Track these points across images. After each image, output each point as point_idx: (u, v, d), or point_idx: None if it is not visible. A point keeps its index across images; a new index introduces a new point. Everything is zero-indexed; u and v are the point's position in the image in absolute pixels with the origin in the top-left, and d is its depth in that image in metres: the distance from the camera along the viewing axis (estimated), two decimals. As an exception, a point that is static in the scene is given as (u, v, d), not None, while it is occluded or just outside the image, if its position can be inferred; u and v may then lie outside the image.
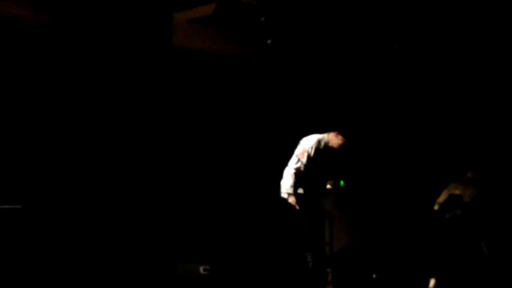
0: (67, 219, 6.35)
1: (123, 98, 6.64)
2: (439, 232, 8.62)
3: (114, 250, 6.42)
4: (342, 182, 7.66)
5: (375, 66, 9.56)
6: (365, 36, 8.98)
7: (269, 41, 8.78)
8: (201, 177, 9.17)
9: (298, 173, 7.23)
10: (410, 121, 9.67)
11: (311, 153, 7.30)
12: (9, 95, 7.88)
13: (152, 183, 6.72)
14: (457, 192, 8.54)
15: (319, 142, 7.36)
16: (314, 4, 8.55)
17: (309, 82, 9.90)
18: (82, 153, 6.48)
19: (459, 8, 8.36)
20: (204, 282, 7.92)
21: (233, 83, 9.62)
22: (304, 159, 7.25)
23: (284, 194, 7.25)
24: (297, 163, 7.25)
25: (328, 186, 7.49)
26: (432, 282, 8.35)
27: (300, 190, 7.24)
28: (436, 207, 8.59)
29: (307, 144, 7.32)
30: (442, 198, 8.57)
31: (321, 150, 7.33)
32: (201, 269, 8.00)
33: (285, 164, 7.35)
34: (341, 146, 7.39)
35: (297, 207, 7.16)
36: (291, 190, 7.19)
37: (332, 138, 7.40)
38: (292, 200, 7.18)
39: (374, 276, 7.55)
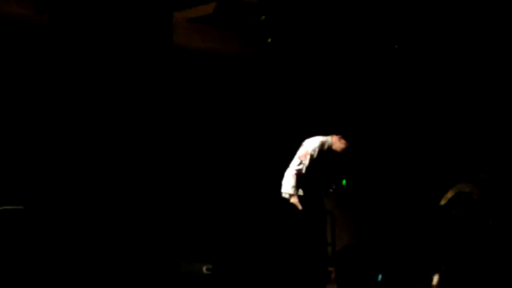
0: (69, 220, 6.32)
1: (124, 97, 6.61)
2: (444, 228, 8.60)
3: (116, 249, 6.39)
4: (344, 181, 7.65)
5: (375, 66, 9.55)
6: (366, 36, 8.97)
7: (269, 40, 8.77)
8: (202, 177, 9.16)
9: (299, 174, 7.23)
10: (413, 120, 9.66)
11: (314, 155, 7.31)
12: (9, 95, 7.86)
13: (154, 183, 6.69)
14: (466, 190, 8.51)
15: (322, 144, 7.37)
16: (314, 3, 8.53)
17: (310, 82, 9.89)
18: (83, 153, 6.45)
19: (459, 8, 8.36)
20: (206, 282, 7.91)
21: (233, 82, 9.60)
22: (307, 161, 7.26)
23: (285, 195, 7.25)
24: (299, 165, 7.26)
25: (331, 190, 7.51)
26: (435, 278, 8.32)
27: (300, 192, 7.25)
28: (443, 202, 8.56)
29: (310, 146, 7.32)
30: (450, 194, 8.55)
31: (324, 153, 7.34)
32: (203, 268, 7.99)
33: (286, 164, 7.35)
34: (344, 150, 7.40)
35: (300, 207, 7.16)
36: (292, 191, 7.20)
37: (336, 142, 7.41)
38: (294, 200, 7.18)
39: (380, 277, 7.52)
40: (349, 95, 9.88)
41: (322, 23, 8.80)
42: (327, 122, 9.25)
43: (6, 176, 7.61)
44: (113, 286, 6.33)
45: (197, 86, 9.30)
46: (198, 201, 9.01)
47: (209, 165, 9.29)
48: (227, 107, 9.53)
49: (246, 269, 8.48)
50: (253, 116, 9.70)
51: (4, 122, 7.85)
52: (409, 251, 9.17)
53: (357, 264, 8.64)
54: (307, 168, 7.26)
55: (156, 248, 6.64)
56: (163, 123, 6.91)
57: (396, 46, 9.06)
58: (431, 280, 8.35)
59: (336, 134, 7.44)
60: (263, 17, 8.44)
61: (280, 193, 7.30)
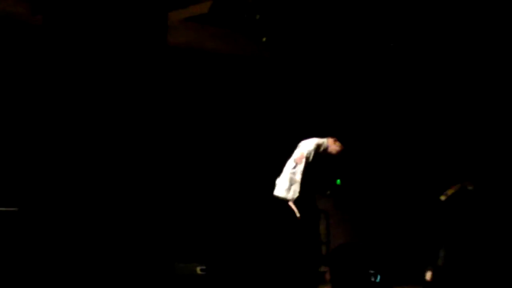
0: (63, 221, 6.33)
1: (118, 97, 6.61)
2: (441, 223, 8.62)
3: (111, 250, 6.40)
4: (338, 181, 7.67)
5: (371, 65, 9.55)
6: (361, 35, 8.97)
7: (264, 39, 8.77)
8: (195, 177, 9.17)
9: (294, 178, 7.24)
10: (407, 120, 9.67)
11: (310, 158, 7.30)
12: (4, 94, 7.88)
13: (149, 183, 6.70)
14: (470, 187, 8.51)
15: (318, 147, 7.37)
16: (309, 1, 8.53)
17: (305, 82, 9.89)
18: (78, 153, 6.45)
19: (455, 6, 8.36)
20: (201, 282, 7.92)
21: (229, 81, 9.60)
22: (302, 164, 7.26)
23: (279, 194, 7.26)
24: (294, 167, 7.26)
25: (327, 193, 7.53)
26: (428, 274, 8.33)
27: (295, 194, 7.24)
28: (443, 198, 8.56)
29: (306, 148, 7.32)
30: (451, 191, 8.54)
31: (320, 155, 7.34)
32: (198, 269, 8.01)
33: (281, 164, 7.36)
34: (339, 153, 7.40)
35: (297, 211, 7.17)
36: (286, 194, 7.20)
37: (331, 144, 7.42)
38: (291, 205, 7.19)
39: (378, 278, 7.54)
40: (344, 94, 9.89)
41: (317, 22, 8.80)
42: (323, 122, 9.27)
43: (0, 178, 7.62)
44: (108, 286, 6.34)
45: (192, 85, 9.30)
46: (193, 201, 9.02)
47: (204, 164, 9.30)
48: (221, 106, 9.53)
49: (240, 270, 8.50)
50: (248, 115, 9.70)
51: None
52: (404, 249, 9.19)
53: (351, 264, 8.66)
54: (302, 171, 7.26)
55: (151, 248, 6.65)
56: (158, 123, 6.91)
57: (392, 44, 9.06)
58: (425, 275, 8.37)
59: (332, 136, 7.45)
60: (258, 16, 8.44)
61: (273, 194, 7.31)
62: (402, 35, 8.88)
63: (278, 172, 7.38)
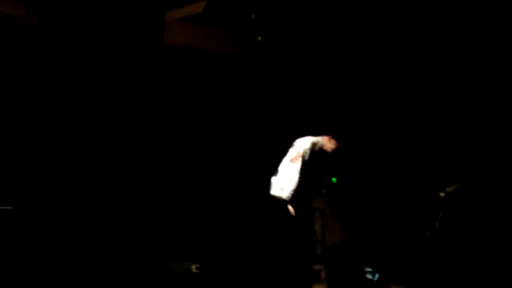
0: (58, 219, 6.35)
1: (114, 96, 6.63)
2: (438, 218, 8.64)
3: (105, 248, 6.42)
4: (334, 179, 7.67)
5: (366, 64, 9.57)
6: (357, 34, 8.99)
7: (259, 38, 8.79)
8: (190, 176, 9.18)
9: (290, 176, 7.24)
10: (403, 119, 9.68)
11: (305, 157, 7.31)
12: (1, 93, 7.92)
13: (144, 182, 6.72)
14: (469, 185, 8.51)
15: (314, 145, 7.37)
16: (304, 0, 8.55)
17: (301, 81, 9.90)
18: (72, 152, 6.46)
19: (449, 4, 8.37)
20: (196, 281, 7.94)
21: (225, 80, 9.61)
22: (298, 163, 7.26)
23: (275, 193, 7.27)
24: (290, 166, 7.26)
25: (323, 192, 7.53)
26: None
27: (290, 193, 7.25)
28: (442, 194, 8.57)
29: (302, 147, 7.31)
30: (450, 188, 8.55)
31: (316, 154, 7.35)
32: (193, 267, 8.02)
33: (276, 163, 7.37)
34: (334, 151, 7.41)
35: (292, 212, 7.18)
36: (281, 193, 7.21)
37: (326, 142, 7.43)
38: (288, 206, 7.21)
39: (376, 277, 7.56)
40: (340, 92, 9.90)
41: (312, 21, 8.82)
42: (318, 121, 9.28)
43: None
44: (103, 285, 6.36)
45: (188, 85, 9.32)
46: (188, 199, 9.03)
47: (200, 163, 9.31)
48: (217, 106, 9.55)
49: (235, 268, 8.52)
50: (243, 114, 9.72)
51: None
52: (399, 248, 9.21)
53: (346, 262, 8.69)
54: (299, 170, 7.26)
55: (146, 247, 6.67)
56: (154, 122, 6.93)
57: (387, 44, 9.08)
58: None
59: (327, 134, 7.46)
60: (254, 15, 8.46)
61: (269, 193, 7.32)
62: (398, 33, 8.90)
63: (273, 170, 7.39)
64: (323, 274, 8.31)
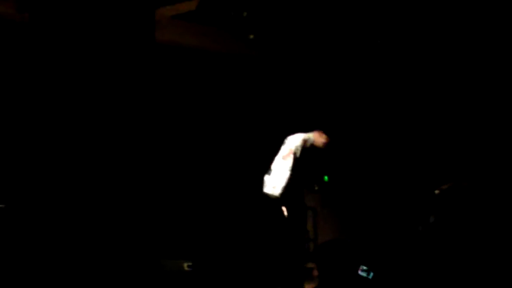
0: (51, 218, 6.33)
1: (105, 94, 6.62)
2: (431, 216, 8.64)
3: (97, 246, 6.41)
4: (326, 178, 7.67)
5: (357, 61, 9.57)
6: (349, 31, 8.99)
7: (251, 36, 8.79)
8: (182, 174, 9.17)
9: (282, 174, 7.24)
10: (395, 116, 9.67)
11: (297, 154, 7.31)
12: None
13: (135, 179, 6.70)
14: (465, 184, 8.51)
15: (305, 142, 7.38)
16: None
17: (293, 78, 9.89)
18: (64, 150, 6.45)
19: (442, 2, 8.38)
20: (188, 279, 7.93)
21: (217, 79, 9.60)
22: (290, 160, 7.26)
23: (268, 191, 7.27)
24: (282, 164, 7.26)
25: (315, 189, 7.53)
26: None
27: (280, 191, 7.24)
28: (436, 192, 8.57)
29: (293, 144, 7.32)
30: (445, 186, 8.54)
31: (307, 151, 7.35)
32: (185, 265, 8.02)
33: (269, 161, 7.37)
34: (326, 145, 7.41)
35: (285, 212, 7.17)
36: (273, 191, 7.21)
37: (317, 138, 7.43)
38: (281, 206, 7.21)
39: (371, 275, 7.56)
40: (331, 91, 9.89)
41: (304, 19, 8.82)
42: (310, 118, 9.27)
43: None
44: (95, 283, 6.35)
45: (179, 83, 9.30)
46: (180, 198, 9.02)
47: (191, 161, 9.30)
48: (209, 104, 9.54)
49: (227, 266, 8.51)
50: (235, 113, 9.71)
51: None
52: (392, 246, 9.20)
53: (338, 260, 8.70)
54: (290, 167, 7.27)
55: (138, 244, 6.66)
56: (145, 121, 6.92)
57: (379, 41, 9.08)
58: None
59: (317, 129, 7.46)
60: (245, 13, 8.46)
61: (262, 192, 7.32)
62: (390, 30, 8.90)
63: (265, 169, 7.39)
64: (315, 272, 8.32)
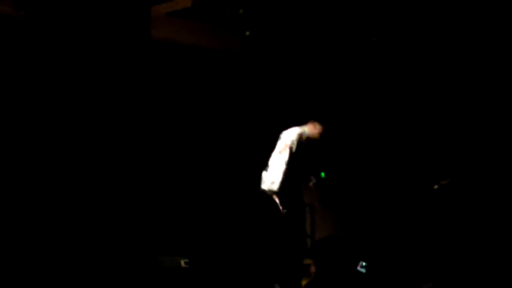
0: (47, 214, 6.33)
1: (100, 91, 6.62)
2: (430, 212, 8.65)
3: (93, 242, 6.41)
4: (323, 174, 7.68)
5: (353, 57, 9.57)
6: (345, 27, 8.99)
7: (247, 33, 8.79)
8: (179, 170, 9.17)
9: (279, 169, 7.24)
10: (392, 111, 9.67)
11: (293, 148, 7.32)
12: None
13: (131, 176, 6.70)
14: (463, 179, 8.51)
15: (300, 136, 7.39)
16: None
17: (288, 75, 9.89)
18: (60, 146, 6.45)
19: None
20: (185, 275, 7.93)
21: (212, 76, 9.61)
22: (286, 154, 7.27)
23: (266, 188, 7.28)
24: (279, 159, 7.26)
25: (311, 183, 7.52)
26: None
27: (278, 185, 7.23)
28: (436, 187, 8.57)
29: (289, 138, 7.33)
30: (445, 181, 8.55)
31: (303, 144, 7.36)
32: (182, 262, 8.01)
33: (265, 158, 7.37)
34: (321, 135, 7.42)
35: (280, 207, 7.17)
36: (272, 186, 7.21)
37: (312, 129, 7.44)
38: (274, 196, 7.20)
39: (364, 269, 7.54)
40: (327, 86, 9.89)
41: (300, 15, 8.82)
42: (305, 115, 9.26)
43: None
44: (92, 279, 6.35)
45: (175, 80, 9.31)
46: (176, 194, 9.03)
47: (187, 158, 9.30)
48: (204, 101, 9.54)
49: (224, 263, 8.50)
50: (231, 109, 9.71)
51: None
52: (391, 245, 9.20)
53: (335, 256, 8.68)
54: (287, 161, 7.28)
55: (135, 241, 6.66)
56: (142, 118, 6.92)
57: (374, 39, 9.08)
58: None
59: (310, 120, 7.46)
60: (241, 10, 8.46)
61: (259, 188, 7.32)
62: (386, 27, 8.90)
63: (261, 165, 7.40)
64: (312, 269, 8.31)
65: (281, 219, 7.10)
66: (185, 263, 8.02)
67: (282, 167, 7.22)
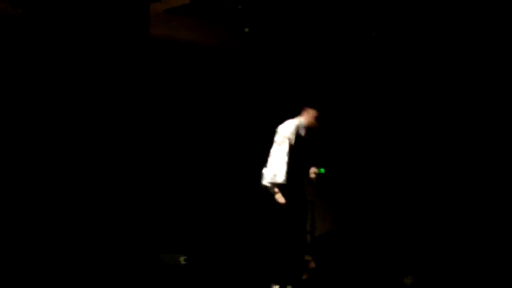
0: (47, 212, 6.33)
1: (99, 89, 6.61)
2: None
3: (94, 240, 6.41)
4: (322, 170, 7.65)
5: (352, 52, 9.56)
6: (344, 23, 8.98)
7: (246, 30, 8.79)
8: (178, 167, 9.16)
9: (279, 161, 7.20)
10: (392, 108, 9.66)
11: (292, 139, 7.29)
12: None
13: (131, 174, 6.70)
14: (462, 175, 8.51)
15: (298, 128, 7.36)
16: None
17: (286, 72, 9.88)
18: (58, 143, 6.44)
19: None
20: (184, 272, 7.94)
21: (211, 72, 9.59)
22: (286, 145, 7.23)
23: (267, 184, 7.25)
24: (279, 152, 7.23)
25: (312, 176, 7.48)
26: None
27: (282, 179, 7.19)
28: (434, 185, 8.58)
29: (287, 131, 7.29)
30: (442, 179, 8.55)
31: (301, 136, 7.34)
32: (181, 259, 8.03)
33: (265, 153, 7.36)
34: (317, 118, 7.40)
35: (283, 200, 7.14)
36: (273, 180, 7.17)
37: (306, 117, 7.41)
38: (278, 194, 7.17)
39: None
40: (326, 83, 9.89)
41: (299, 12, 8.81)
42: (298, 106, 9.25)
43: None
44: (93, 277, 6.35)
45: (174, 77, 9.29)
46: (176, 191, 9.02)
47: (186, 156, 9.29)
48: (203, 98, 9.52)
49: (224, 259, 8.52)
50: (230, 106, 9.70)
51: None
52: (389, 240, 9.21)
53: (335, 252, 8.71)
54: (287, 152, 7.24)
55: (135, 239, 6.66)
56: (140, 115, 6.91)
57: (373, 34, 9.08)
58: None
59: (303, 109, 7.46)
60: (240, 6, 8.45)
61: (260, 183, 7.30)
62: (384, 23, 8.90)
63: (260, 160, 7.38)
64: (312, 265, 8.32)
65: (282, 216, 7.09)
66: (185, 260, 8.03)
67: (284, 158, 7.17)
